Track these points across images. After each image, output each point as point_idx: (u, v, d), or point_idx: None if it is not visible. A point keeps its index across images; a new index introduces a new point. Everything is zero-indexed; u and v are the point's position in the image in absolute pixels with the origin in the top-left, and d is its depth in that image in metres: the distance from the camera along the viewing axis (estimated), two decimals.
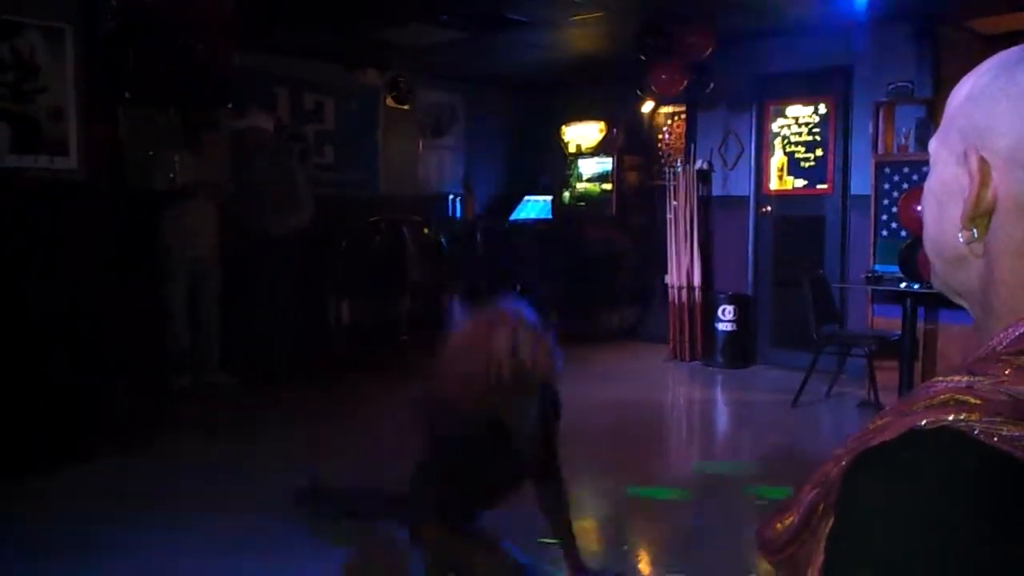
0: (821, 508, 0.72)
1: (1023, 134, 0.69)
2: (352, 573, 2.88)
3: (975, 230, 0.73)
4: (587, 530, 3.31)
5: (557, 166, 7.90)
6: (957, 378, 0.66)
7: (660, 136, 7.24)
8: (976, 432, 0.61)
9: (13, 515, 3.34)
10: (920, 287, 4.64)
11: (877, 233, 5.42)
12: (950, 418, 0.62)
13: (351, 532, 3.16)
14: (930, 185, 0.79)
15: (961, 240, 0.74)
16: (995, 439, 0.60)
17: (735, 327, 6.26)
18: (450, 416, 2.24)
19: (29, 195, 4.30)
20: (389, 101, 7.36)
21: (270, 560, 2.95)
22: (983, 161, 0.71)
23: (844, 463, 0.68)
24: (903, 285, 4.80)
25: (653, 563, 3.08)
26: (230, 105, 5.32)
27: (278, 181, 5.74)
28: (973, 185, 0.71)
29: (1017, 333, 0.69)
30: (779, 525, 0.78)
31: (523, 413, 2.28)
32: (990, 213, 0.72)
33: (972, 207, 0.72)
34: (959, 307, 0.82)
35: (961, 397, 0.63)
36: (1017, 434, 0.60)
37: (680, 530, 3.34)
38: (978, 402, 0.62)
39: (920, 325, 5.06)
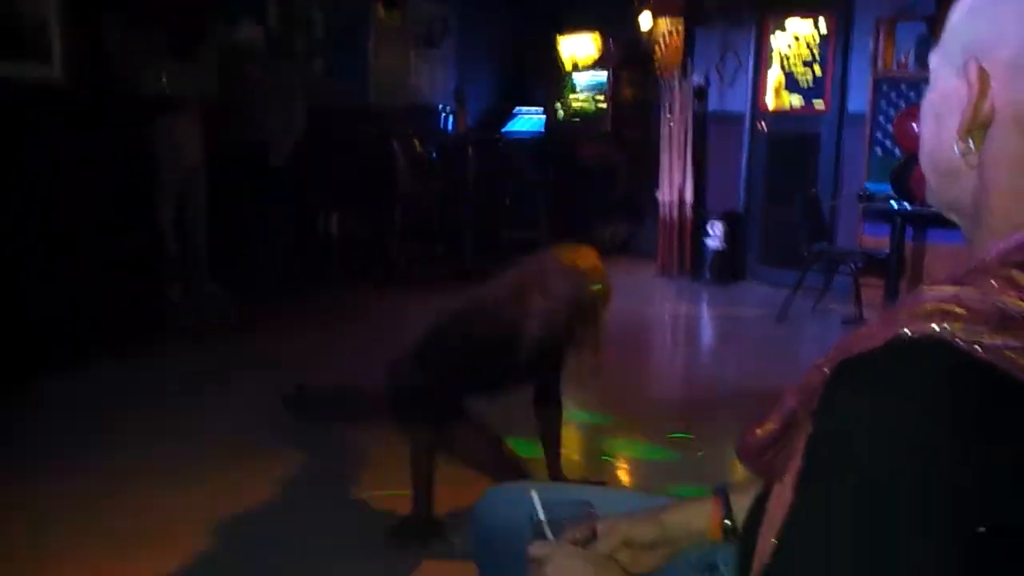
0: (801, 415, 0.73)
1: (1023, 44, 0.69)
2: (340, 470, 2.95)
3: (971, 141, 0.73)
4: (569, 440, 3.39)
5: (551, 80, 7.75)
6: (944, 288, 0.66)
7: (657, 50, 7.09)
8: (958, 341, 0.61)
9: (12, 418, 3.40)
10: (911, 206, 4.65)
11: (871, 151, 5.39)
12: (933, 327, 0.62)
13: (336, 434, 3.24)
14: (929, 99, 0.79)
15: (957, 152, 0.73)
16: (977, 348, 0.60)
17: (725, 244, 6.28)
18: (478, 319, 2.36)
19: (11, 103, 4.21)
20: (380, 11, 7.15)
21: (258, 462, 3.02)
22: (983, 71, 0.71)
23: (826, 371, 0.68)
24: (894, 204, 4.80)
25: (632, 473, 3.17)
26: (219, 17, 5.19)
27: (271, 93, 5.66)
28: (971, 94, 0.71)
29: (1007, 245, 0.69)
30: (759, 431, 0.79)
31: (536, 345, 2.35)
32: (987, 125, 0.72)
33: (970, 118, 0.72)
34: (947, 226, 0.82)
35: (946, 307, 0.63)
36: (999, 343, 0.60)
37: (661, 442, 3.43)
38: (963, 311, 0.63)
39: (908, 244, 5.09)
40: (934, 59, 0.79)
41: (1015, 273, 0.65)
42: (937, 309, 0.64)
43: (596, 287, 2.35)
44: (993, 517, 0.59)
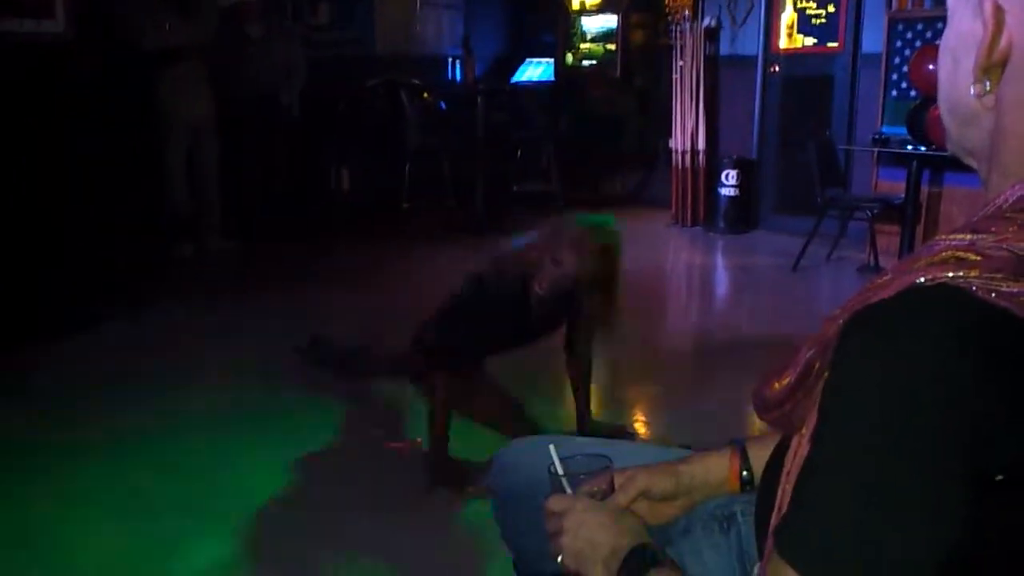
0: (817, 366, 0.73)
1: None
2: (349, 428, 2.98)
3: (988, 82, 0.71)
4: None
5: (560, 25, 7.62)
6: (960, 236, 0.65)
7: None
8: (974, 288, 0.60)
9: (25, 377, 3.43)
10: (927, 149, 4.57)
11: (887, 94, 5.29)
12: (949, 275, 0.62)
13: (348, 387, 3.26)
14: (946, 40, 0.77)
15: (973, 92, 0.72)
16: (993, 295, 0.60)
17: (738, 192, 6.22)
18: (501, 278, 2.44)
19: (16, 59, 4.18)
20: None
21: (272, 418, 3.05)
22: (998, 8, 0.69)
23: (841, 321, 0.68)
24: (909, 147, 4.73)
25: (652, 420, 3.19)
26: None
27: (273, 50, 5.61)
28: (987, 32, 0.69)
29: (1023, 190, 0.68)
30: (776, 384, 0.79)
31: (552, 304, 2.45)
32: (1003, 64, 0.70)
33: (985, 56, 0.70)
34: (964, 170, 0.81)
35: (962, 254, 0.63)
36: (1016, 290, 0.60)
37: (679, 388, 3.44)
38: (978, 259, 0.62)
39: (924, 189, 5.02)
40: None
41: None
42: (953, 257, 0.63)
43: (606, 258, 2.43)
44: (1011, 463, 0.59)
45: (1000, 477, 0.59)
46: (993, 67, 0.70)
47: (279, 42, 5.69)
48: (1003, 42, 0.69)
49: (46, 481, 2.60)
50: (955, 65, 0.74)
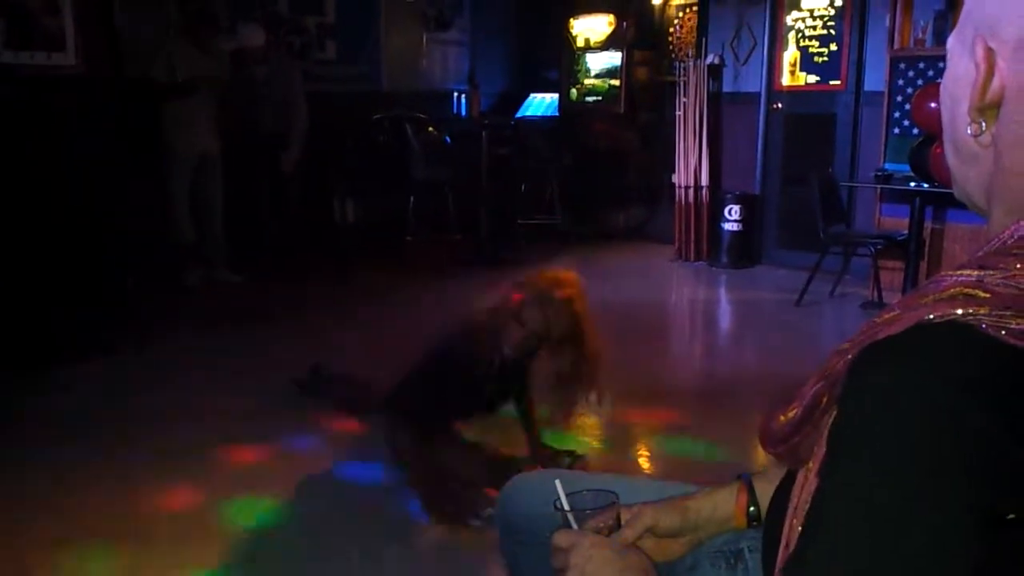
0: (825, 401, 0.73)
1: None
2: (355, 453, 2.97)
3: (983, 122, 0.72)
4: (589, 429, 3.40)
5: (564, 61, 7.70)
6: (967, 272, 0.65)
7: (671, 30, 7.03)
8: (984, 326, 0.60)
9: (38, 403, 3.46)
10: (930, 186, 4.59)
11: (889, 131, 5.32)
12: (958, 312, 0.61)
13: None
14: (945, 82, 0.78)
15: (969, 132, 0.73)
16: (1003, 332, 0.60)
17: (741, 227, 6.24)
18: (469, 350, 2.48)
19: (28, 91, 4.23)
20: None
21: (271, 445, 3.05)
22: (989, 50, 0.70)
23: (850, 356, 0.68)
24: (912, 184, 4.75)
25: (655, 455, 3.17)
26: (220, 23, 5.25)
27: (276, 89, 5.66)
28: (979, 74, 0.70)
29: None
30: (783, 418, 0.79)
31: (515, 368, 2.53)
32: (998, 104, 0.70)
33: (978, 97, 0.71)
34: (967, 207, 0.81)
35: (970, 291, 0.63)
36: None
37: (683, 422, 3.43)
38: (987, 296, 0.62)
39: (927, 225, 5.03)
40: (951, 40, 0.78)
41: None
42: (961, 293, 0.63)
43: (571, 313, 2.44)
44: (1008, 503, 0.58)
45: (1012, 516, 0.58)
46: (987, 108, 0.71)
47: (280, 80, 5.74)
48: (995, 84, 0.70)
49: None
50: (954, 105, 0.75)
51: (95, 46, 4.66)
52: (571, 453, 2.91)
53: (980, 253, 0.69)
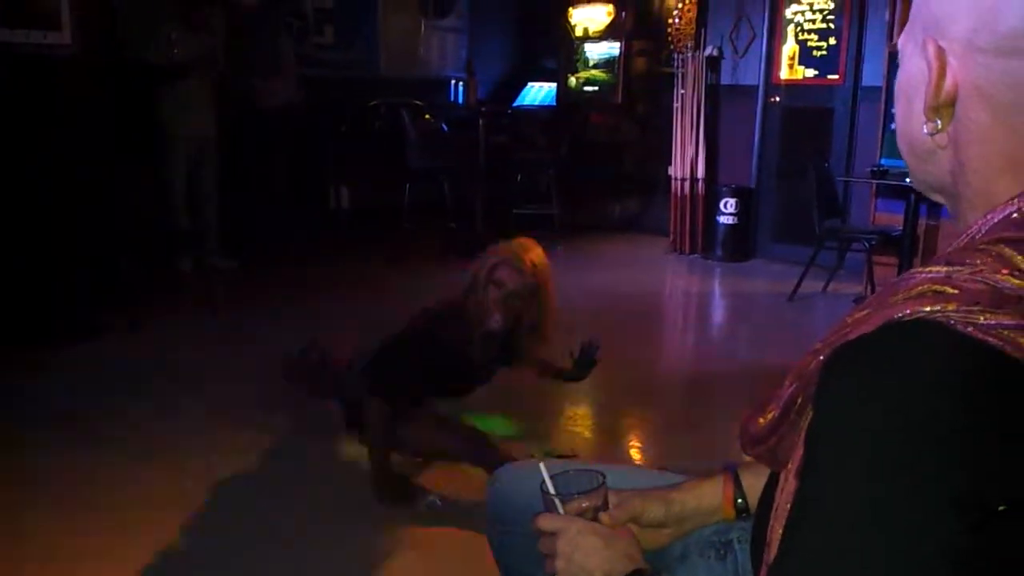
0: (800, 401, 0.73)
1: (978, 18, 0.68)
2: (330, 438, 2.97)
3: (939, 121, 0.72)
4: (580, 417, 3.41)
5: (563, 50, 7.68)
6: (935, 269, 0.66)
7: (670, 21, 7.00)
8: (953, 322, 0.61)
9: (25, 386, 3.45)
10: None
11: (886, 126, 5.32)
12: (927, 309, 0.62)
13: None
14: (898, 81, 0.78)
15: (925, 131, 0.73)
16: (970, 328, 0.60)
17: (736, 220, 6.24)
18: (450, 327, 2.66)
19: (22, 70, 4.20)
20: None
21: (257, 431, 3.05)
22: (940, 49, 0.70)
23: (822, 357, 0.68)
24: (908, 180, 4.75)
25: (646, 446, 3.18)
26: None
27: (263, 50, 5.65)
28: (931, 74, 0.70)
29: (993, 221, 0.68)
30: (761, 420, 0.80)
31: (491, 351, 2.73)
32: (952, 102, 0.70)
33: (932, 96, 0.71)
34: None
35: (939, 288, 0.63)
36: (994, 322, 0.60)
37: (674, 414, 3.43)
38: (955, 292, 0.62)
39: (922, 221, 5.04)
40: (901, 39, 0.78)
41: (1004, 249, 0.64)
42: (930, 291, 0.63)
43: (539, 268, 2.68)
44: (1012, 492, 0.59)
45: (1002, 507, 0.58)
46: (942, 106, 0.71)
47: (268, 47, 5.72)
48: (948, 82, 0.70)
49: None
50: (908, 105, 0.75)
51: (91, 26, 4.62)
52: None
53: (949, 249, 0.69)
